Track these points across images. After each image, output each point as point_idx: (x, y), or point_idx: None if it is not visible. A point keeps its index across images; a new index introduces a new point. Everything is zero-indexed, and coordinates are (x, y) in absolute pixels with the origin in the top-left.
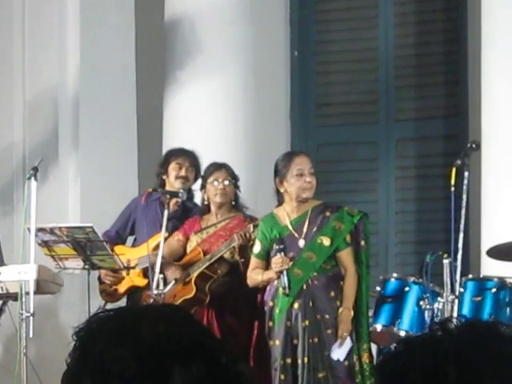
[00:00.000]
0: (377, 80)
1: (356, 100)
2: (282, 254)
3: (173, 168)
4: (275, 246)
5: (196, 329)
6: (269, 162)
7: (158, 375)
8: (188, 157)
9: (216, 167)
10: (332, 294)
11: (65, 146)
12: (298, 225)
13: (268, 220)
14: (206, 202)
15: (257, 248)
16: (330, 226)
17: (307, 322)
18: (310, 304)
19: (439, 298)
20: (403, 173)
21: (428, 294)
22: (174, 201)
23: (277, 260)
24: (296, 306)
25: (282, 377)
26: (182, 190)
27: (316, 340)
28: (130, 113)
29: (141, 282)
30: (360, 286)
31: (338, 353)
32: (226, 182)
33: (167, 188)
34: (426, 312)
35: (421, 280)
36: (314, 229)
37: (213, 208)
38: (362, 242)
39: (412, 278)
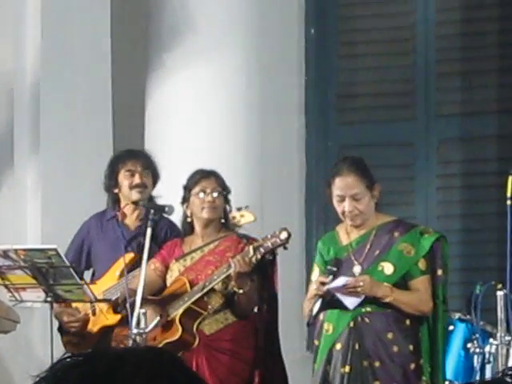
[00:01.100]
0: (413, 65)
1: (387, 91)
2: (331, 277)
3: (124, 177)
4: (328, 267)
5: (186, 378)
6: (278, 168)
7: None
8: (138, 159)
9: (203, 175)
10: (389, 336)
11: (21, 149)
12: (359, 246)
13: (327, 239)
14: (188, 220)
15: (314, 275)
16: (397, 250)
17: (347, 369)
18: (356, 346)
19: (492, 340)
20: (446, 182)
21: (478, 335)
22: (134, 214)
23: (318, 279)
24: (338, 347)
25: None
26: (168, 204)
27: None
28: (105, 106)
29: (113, 319)
30: (435, 330)
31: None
32: (215, 194)
33: (122, 203)
34: (475, 357)
35: (468, 317)
36: (377, 252)
37: (197, 227)
38: (439, 272)
39: (457, 315)
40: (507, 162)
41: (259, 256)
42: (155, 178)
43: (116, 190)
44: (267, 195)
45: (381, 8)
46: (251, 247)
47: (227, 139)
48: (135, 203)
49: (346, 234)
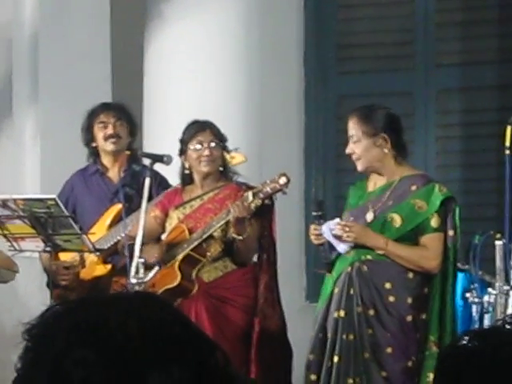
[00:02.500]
0: (413, 15)
1: (386, 41)
2: (322, 221)
3: (98, 129)
4: (312, 213)
5: (178, 324)
6: (277, 119)
7: (130, 383)
8: (110, 110)
9: (198, 128)
10: (387, 285)
11: (20, 98)
12: (380, 195)
13: (357, 187)
14: (186, 171)
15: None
16: (409, 203)
17: (342, 313)
18: (351, 292)
19: (490, 289)
20: (446, 132)
21: (476, 284)
22: (116, 166)
23: (311, 231)
24: (336, 290)
25: (312, 377)
26: (167, 154)
27: (351, 337)
28: (103, 56)
29: (102, 270)
30: (444, 290)
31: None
32: (213, 145)
33: (102, 156)
34: (474, 306)
35: (467, 266)
36: (390, 202)
37: (196, 178)
38: (451, 232)
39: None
40: (506, 112)
41: (259, 201)
42: (132, 129)
43: (94, 144)
44: (267, 144)
45: None
46: (250, 192)
47: (226, 88)
48: (132, 152)
49: (373, 183)
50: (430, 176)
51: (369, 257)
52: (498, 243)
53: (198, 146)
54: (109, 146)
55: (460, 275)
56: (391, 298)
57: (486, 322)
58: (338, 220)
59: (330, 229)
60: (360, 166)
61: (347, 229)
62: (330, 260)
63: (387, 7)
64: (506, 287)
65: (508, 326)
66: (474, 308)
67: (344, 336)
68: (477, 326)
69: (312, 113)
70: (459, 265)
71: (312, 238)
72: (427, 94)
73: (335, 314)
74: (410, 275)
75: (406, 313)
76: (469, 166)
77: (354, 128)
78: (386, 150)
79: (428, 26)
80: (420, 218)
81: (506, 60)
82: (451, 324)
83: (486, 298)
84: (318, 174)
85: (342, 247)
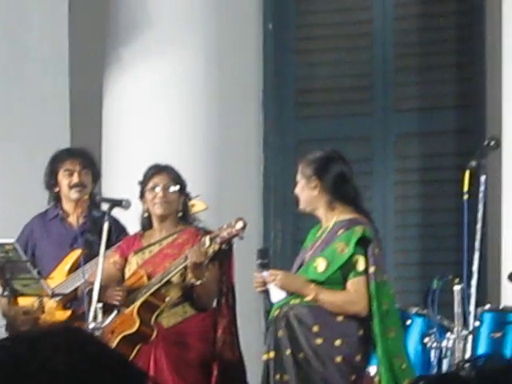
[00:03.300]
0: (371, 60)
1: (345, 85)
2: (265, 270)
3: (63, 176)
4: (257, 261)
5: (106, 357)
6: (236, 163)
7: None
8: (76, 157)
9: (155, 170)
10: (315, 328)
11: None
12: (316, 240)
13: (314, 231)
14: (145, 215)
15: None
16: (333, 247)
17: (271, 354)
18: (279, 334)
19: (449, 334)
20: (404, 177)
21: (435, 329)
22: (76, 212)
23: (255, 279)
24: (267, 334)
25: None
26: (125, 198)
27: (286, 377)
28: (62, 100)
29: (62, 315)
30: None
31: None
32: (168, 188)
33: (63, 201)
34: (433, 351)
35: (426, 311)
36: (321, 247)
37: (154, 222)
38: (372, 269)
39: (415, 309)
40: (464, 157)
41: (216, 247)
42: (95, 176)
43: (56, 189)
44: (225, 189)
45: (339, 2)
46: (207, 237)
47: (186, 133)
48: (92, 197)
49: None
50: (361, 220)
51: (297, 301)
52: (457, 288)
53: (153, 189)
54: (73, 195)
55: (418, 320)
56: (319, 341)
57: (445, 367)
58: (266, 273)
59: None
60: (300, 206)
61: (272, 278)
62: (270, 307)
63: (346, 52)
64: (465, 332)
65: (462, 373)
66: (433, 353)
67: (277, 376)
68: (435, 370)
69: (271, 157)
70: (418, 310)
71: (255, 285)
72: (386, 139)
73: (265, 356)
74: (339, 318)
75: (335, 354)
76: (427, 210)
77: (299, 170)
78: (315, 193)
79: (386, 72)
80: (341, 260)
81: (464, 105)
82: (384, 363)
83: (444, 342)
84: (276, 218)
85: (275, 296)
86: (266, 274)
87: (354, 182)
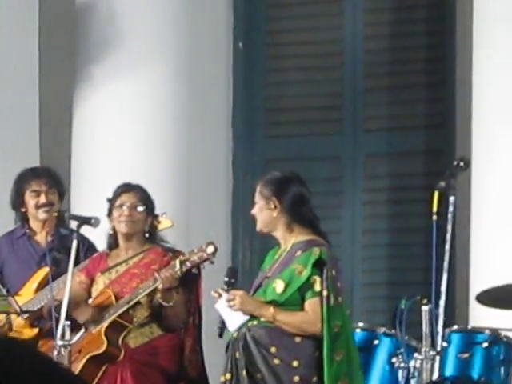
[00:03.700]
0: (341, 79)
1: (315, 105)
2: (230, 288)
3: (29, 197)
4: (225, 278)
5: (39, 364)
6: (205, 182)
7: None
8: (42, 177)
9: (124, 188)
10: (272, 349)
11: None
12: (275, 261)
13: (271, 254)
14: (111, 232)
15: None
16: (291, 269)
17: (228, 376)
18: (237, 355)
19: (416, 355)
20: (373, 196)
21: (402, 349)
22: (44, 231)
23: (211, 294)
24: (225, 356)
25: None
26: (94, 216)
27: None
28: (31, 116)
29: (29, 333)
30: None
31: (233, 317)
32: (135, 207)
33: (31, 221)
34: (400, 371)
35: (393, 331)
36: (279, 268)
37: (120, 240)
38: (325, 292)
39: (382, 329)
40: (433, 177)
41: (185, 270)
42: (61, 194)
43: (23, 209)
44: (194, 208)
45: (309, 22)
46: (178, 261)
47: (154, 151)
48: (59, 215)
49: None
50: (318, 241)
51: (255, 322)
52: (425, 308)
53: (119, 208)
54: (41, 215)
55: (386, 340)
56: (276, 361)
57: None
58: (225, 294)
59: (224, 303)
60: (258, 227)
61: (231, 297)
62: (222, 326)
63: (316, 71)
64: (433, 352)
65: None
66: (400, 373)
67: None
68: None
69: (239, 176)
70: (386, 330)
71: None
72: (355, 159)
73: (222, 378)
74: (297, 339)
75: (292, 374)
76: (396, 230)
77: (257, 190)
78: (274, 214)
79: (356, 91)
80: (299, 281)
81: (433, 125)
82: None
83: (412, 362)
84: (244, 237)
85: (232, 323)
86: (225, 295)
87: (312, 204)
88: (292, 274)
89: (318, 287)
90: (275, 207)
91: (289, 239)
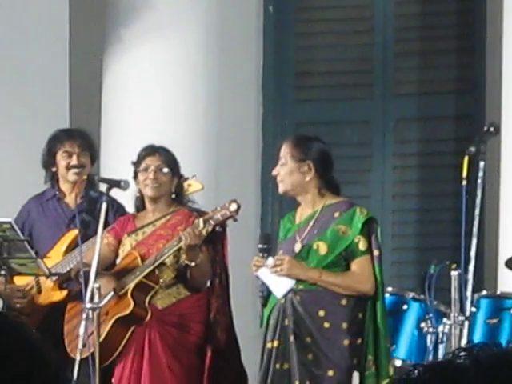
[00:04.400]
0: (372, 44)
1: (345, 69)
2: (266, 255)
3: (61, 157)
4: (259, 245)
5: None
6: (234, 145)
7: None
8: (76, 139)
9: (147, 151)
10: (321, 313)
11: None
12: (305, 225)
13: (285, 220)
14: (138, 195)
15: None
16: (333, 230)
17: (275, 343)
18: (286, 322)
19: (445, 320)
20: (403, 161)
21: (431, 314)
22: (73, 193)
23: (253, 262)
24: (271, 322)
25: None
26: (124, 179)
27: (286, 366)
28: (61, 80)
29: (58, 295)
30: (374, 310)
31: (278, 283)
32: (160, 169)
33: (60, 181)
34: (429, 336)
35: (422, 296)
36: (315, 231)
37: (147, 203)
38: (376, 252)
39: (411, 294)
40: (464, 143)
41: (209, 228)
42: (93, 157)
43: (54, 169)
44: (223, 172)
45: None
46: (201, 220)
47: (184, 115)
48: (89, 178)
49: (300, 214)
50: (353, 201)
51: (301, 286)
52: (454, 273)
53: (145, 170)
54: (71, 177)
55: (415, 305)
56: (326, 325)
57: (441, 353)
58: (271, 259)
59: (266, 271)
60: (280, 188)
61: (278, 262)
62: (265, 294)
63: (346, 36)
64: (461, 318)
65: (458, 360)
66: (429, 338)
67: (278, 365)
68: (431, 356)
69: (269, 140)
70: (415, 295)
71: (253, 269)
72: (385, 124)
73: (269, 345)
74: (344, 301)
75: (343, 337)
76: (426, 195)
77: (284, 151)
78: (307, 178)
79: (386, 56)
80: (345, 242)
81: (464, 90)
82: (385, 343)
83: (440, 328)
84: (274, 200)
85: (278, 290)
86: (270, 261)
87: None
88: (335, 235)
89: (363, 246)
90: (309, 171)
91: (318, 203)
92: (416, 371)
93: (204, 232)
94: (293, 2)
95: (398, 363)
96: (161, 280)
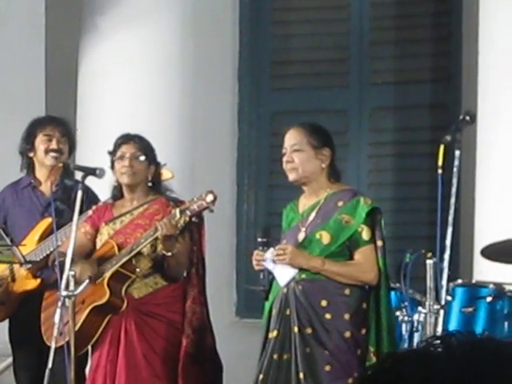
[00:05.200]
0: (348, 33)
1: (321, 58)
2: (265, 248)
3: (41, 141)
4: (258, 239)
5: None
6: (210, 133)
7: None
8: (57, 125)
9: (123, 140)
10: (323, 303)
11: None
12: (309, 214)
13: (288, 209)
14: (115, 184)
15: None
16: (336, 219)
17: (275, 333)
18: (287, 312)
19: (420, 308)
20: (378, 150)
21: (406, 303)
22: (49, 181)
23: (254, 257)
24: (273, 312)
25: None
26: (100, 167)
27: (285, 357)
28: (37, 67)
29: (33, 284)
30: (378, 300)
31: (281, 272)
32: (135, 157)
33: (37, 169)
34: (404, 325)
35: (397, 285)
36: (319, 220)
37: (125, 191)
38: (379, 242)
39: None
40: (439, 131)
41: (186, 219)
42: (71, 146)
43: (31, 154)
44: (199, 160)
45: None
46: (177, 210)
47: (160, 103)
48: (65, 166)
49: (303, 203)
50: (356, 190)
51: (303, 276)
52: (429, 262)
53: (121, 158)
54: (49, 160)
55: (390, 293)
56: (328, 316)
57: (416, 341)
58: (272, 249)
59: (270, 258)
60: (293, 176)
61: (281, 251)
62: (267, 288)
63: (322, 24)
64: (436, 306)
65: (432, 348)
66: (404, 326)
67: (275, 356)
68: (406, 344)
69: (245, 129)
70: (390, 283)
71: (254, 263)
72: (361, 112)
73: (270, 335)
74: (347, 291)
75: (344, 329)
76: (401, 184)
77: (297, 138)
78: (323, 165)
79: (363, 45)
80: (348, 232)
81: (440, 79)
82: (388, 333)
83: (415, 316)
84: (250, 189)
85: (282, 278)
86: (269, 253)
87: None
88: (338, 224)
89: (366, 236)
90: (327, 158)
91: (323, 191)
92: (389, 359)
93: (180, 222)
94: None
95: (372, 350)
96: (137, 269)
